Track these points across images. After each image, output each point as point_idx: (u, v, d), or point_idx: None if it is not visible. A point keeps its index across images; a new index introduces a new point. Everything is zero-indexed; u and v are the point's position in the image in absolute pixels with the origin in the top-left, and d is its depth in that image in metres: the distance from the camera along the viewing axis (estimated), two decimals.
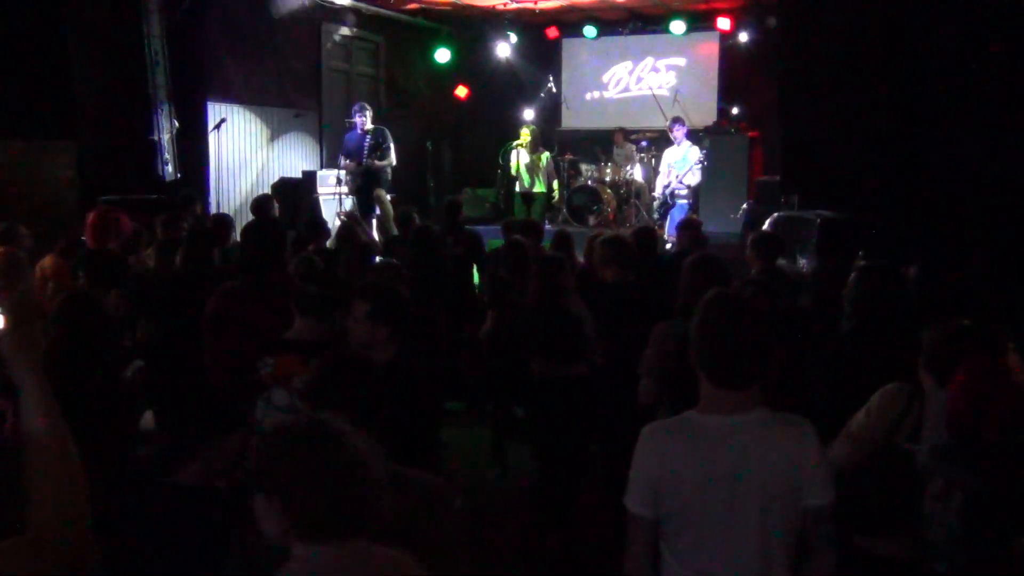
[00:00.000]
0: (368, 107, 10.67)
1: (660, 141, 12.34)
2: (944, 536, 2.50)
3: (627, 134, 12.58)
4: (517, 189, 11.45)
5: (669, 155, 10.67)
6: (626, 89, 14.41)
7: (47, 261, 5.92)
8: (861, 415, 2.98)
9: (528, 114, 13.07)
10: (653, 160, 12.23)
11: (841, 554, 2.35)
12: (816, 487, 2.25)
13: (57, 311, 3.25)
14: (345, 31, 12.20)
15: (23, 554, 1.54)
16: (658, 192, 10.81)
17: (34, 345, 1.64)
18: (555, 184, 11.72)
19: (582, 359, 4.58)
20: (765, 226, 7.56)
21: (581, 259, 6.53)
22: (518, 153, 11.25)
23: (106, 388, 3.20)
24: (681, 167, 10.37)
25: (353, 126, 10.45)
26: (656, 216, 10.96)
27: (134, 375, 3.69)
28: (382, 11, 12.74)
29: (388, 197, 10.25)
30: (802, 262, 7.04)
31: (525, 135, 11.24)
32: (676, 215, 10.15)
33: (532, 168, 11.22)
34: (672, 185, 10.46)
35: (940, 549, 2.51)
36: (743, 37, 12.67)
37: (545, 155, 11.43)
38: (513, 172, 11.37)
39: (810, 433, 2.28)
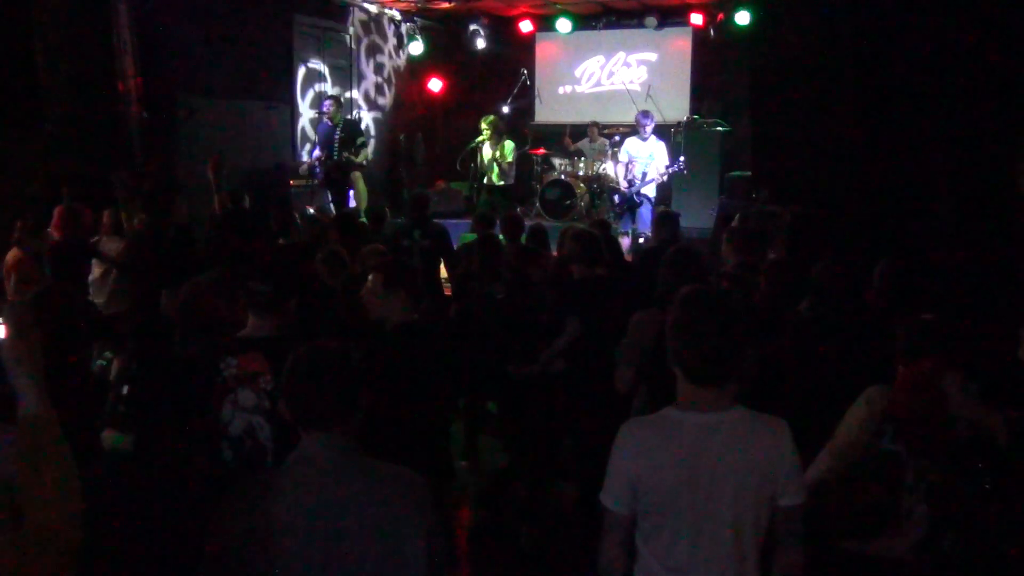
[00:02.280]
0: (337, 100, 10.65)
1: (633, 136, 12.36)
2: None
3: (601, 128, 12.56)
4: (486, 183, 11.12)
5: (634, 148, 10.39)
6: (598, 84, 14.44)
7: (12, 254, 5.85)
8: (846, 424, 2.92)
9: (503, 109, 13.01)
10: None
11: (831, 559, 2.37)
12: (790, 487, 2.28)
13: (31, 304, 3.22)
14: (317, 22, 12.09)
15: (27, 546, 1.57)
16: (623, 185, 10.58)
17: (34, 353, 1.71)
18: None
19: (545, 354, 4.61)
20: (735, 221, 7.61)
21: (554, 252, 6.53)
22: (482, 147, 10.98)
23: (77, 380, 3.17)
24: (647, 163, 10.22)
25: (324, 119, 10.44)
26: (618, 211, 10.62)
27: (105, 366, 3.66)
28: (355, 3, 12.67)
29: (362, 179, 10.35)
30: (772, 257, 7.09)
31: (485, 127, 10.87)
32: (644, 212, 10.13)
33: (495, 160, 10.91)
34: (637, 183, 10.36)
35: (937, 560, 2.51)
36: (715, 32, 12.74)
37: (509, 145, 10.99)
38: (482, 167, 11.03)
39: (786, 433, 2.31)
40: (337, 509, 2.08)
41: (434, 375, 3.56)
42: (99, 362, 3.95)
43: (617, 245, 6.48)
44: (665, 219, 6.82)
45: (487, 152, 10.91)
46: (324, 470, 2.12)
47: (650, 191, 10.22)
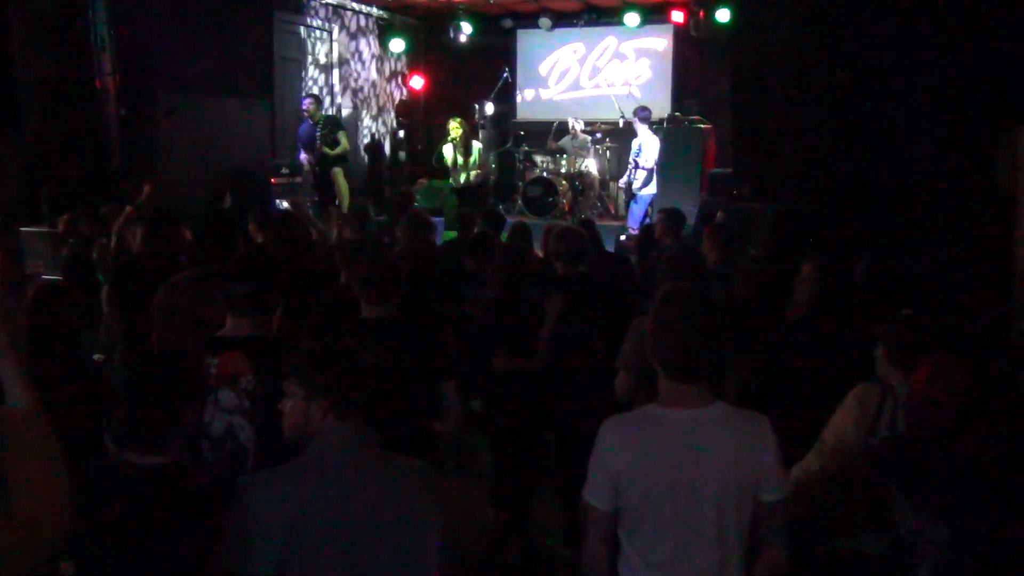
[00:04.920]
0: (317, 98, 10.63)
1: (614, 133, 12.40)
2: (926, 542, 2.51)
3: (584, 126, 12.56)
4: (451, 183, 10.99)
5: (634, 144, 10.48)
6: (579, 80, 14.44)
7: None
8: (837, 423, 2.89)
9: (489, 107, 12.99)
10: (607, 152, 12.29)
11: (821, 557, 2.37)
12: (771, 482, 2.29)
13: (31, 302, 3.21)
14: (297, 19, 12.03)
15: (13, 536, 1.57)
16: (623, 183, 10.72)
17: (19, 343, 1.71)
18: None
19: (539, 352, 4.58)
20: (716, 218, 7.65)
21: (538, 251, 6.52)
22: (453, 147, 10.94)
23: (76, 378, 3.16)
24: (636, 155, 10.31)
25: (305, 117, 10.41)
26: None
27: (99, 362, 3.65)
28: (335, 0, 12.61)
29: (343, 175, 10.42)
30: (752, 254, 7.13)
31: (455, 129, 10.75)
32: (634, 209, 10.17)
33: (463, 164, 10.89)
34: (629, 176, 10.43)
35: (922, 555, 2.52)
36: (696, 30, 12.78)
37: (476, 148, 10.92)
38: (449, 166, 11.06)
39: (766, 429, 2.32)
40: (360, 498, 2.10)
41: (412, 370, 3.50)
42: (95, 356, 3.93)
43: (600, 242, 6.47)
44: (672, 217, 6.58)
45: (455, 153, 10.80)
46: (348, 459, 2.15)
47: (642, 183, 10.18)
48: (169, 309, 4.11)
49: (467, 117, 11.56)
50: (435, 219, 8.84)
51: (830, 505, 2.55)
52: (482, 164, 11.09)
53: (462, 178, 10.82)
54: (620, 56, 14.10)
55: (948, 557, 2.45)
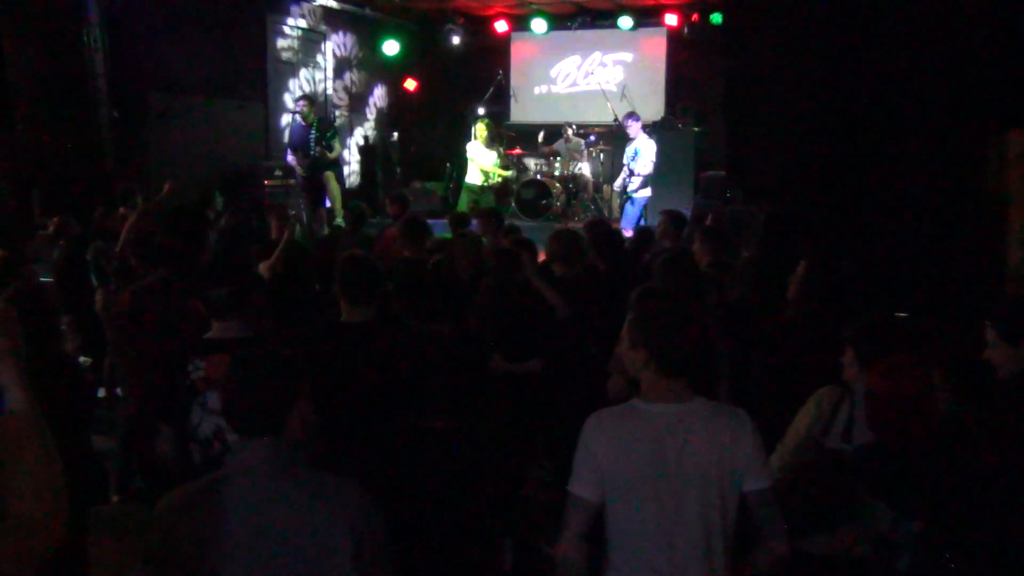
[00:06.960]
0: (310, 99, 10.64)
1: (608, 136, 12.42)
2: (903, 535, 2.51)
3: (576, 129, 12.61)
4: (484, 183, 11.51)
5: (629, 149, 10.61)
6: (574, 84, 14.46)
7: None
8: (795, 423, 2.98)
9: (479, 110, 13.04)
10: (601, 155, 12.31)
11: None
12: (754, 471, 2.31)
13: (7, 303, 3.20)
14: (291, 21, 12.01)
15: (7, 539, 1.56)
16: (618, 185, 10.87)
17: (17, 347, 1.71)
18: (508, 173, 11.83)
19: (537, 355, 4.57)
20: (708, 220, 7.65)
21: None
22: (475, 148, 11.31)
23: (62, 377, 3.15)
24: (632, 161, 10.38)
25: (298, 118, 10.40)
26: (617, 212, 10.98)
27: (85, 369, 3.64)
28: (329, 3, 12.60)
29: (335, 179, 10.59)
30: (745, 256, 7.13)
31: (481, 130, 11.29)
32: (629, 210, 10.22)
33: (487, 163, 11.36)
34: (623, 179, 10.49)
35: (901, 547, 2.53)
36: (690, 33, 12.82)
37: (498, 149, 11.61)
38: (469, 166, 11.47)
39: (746, 421, 2.35)
40: (268, 517, 2.03)
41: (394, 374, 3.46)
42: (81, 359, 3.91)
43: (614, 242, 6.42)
44: (675, 219, 6.44)
45: (478, 153, 11.26)
46: (255, 477, 2.07)
47: (638, 186, 10.23)
48: (136, 315, 4.08)
49: (470, 119, 11.90)
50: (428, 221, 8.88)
51: (787, 502, 2.58)
52: (504, 165, 11.61)
53: (483, 178, 11.36)
54: (613, 60, 14.10)
55: (924, 548, 2.46)
